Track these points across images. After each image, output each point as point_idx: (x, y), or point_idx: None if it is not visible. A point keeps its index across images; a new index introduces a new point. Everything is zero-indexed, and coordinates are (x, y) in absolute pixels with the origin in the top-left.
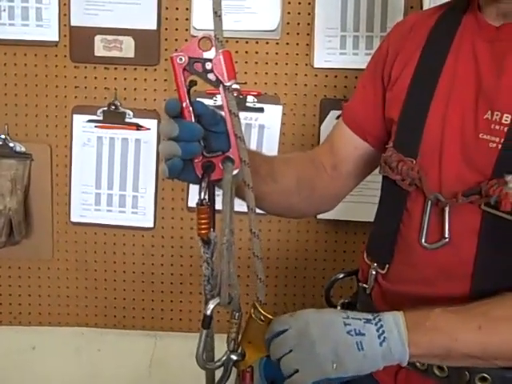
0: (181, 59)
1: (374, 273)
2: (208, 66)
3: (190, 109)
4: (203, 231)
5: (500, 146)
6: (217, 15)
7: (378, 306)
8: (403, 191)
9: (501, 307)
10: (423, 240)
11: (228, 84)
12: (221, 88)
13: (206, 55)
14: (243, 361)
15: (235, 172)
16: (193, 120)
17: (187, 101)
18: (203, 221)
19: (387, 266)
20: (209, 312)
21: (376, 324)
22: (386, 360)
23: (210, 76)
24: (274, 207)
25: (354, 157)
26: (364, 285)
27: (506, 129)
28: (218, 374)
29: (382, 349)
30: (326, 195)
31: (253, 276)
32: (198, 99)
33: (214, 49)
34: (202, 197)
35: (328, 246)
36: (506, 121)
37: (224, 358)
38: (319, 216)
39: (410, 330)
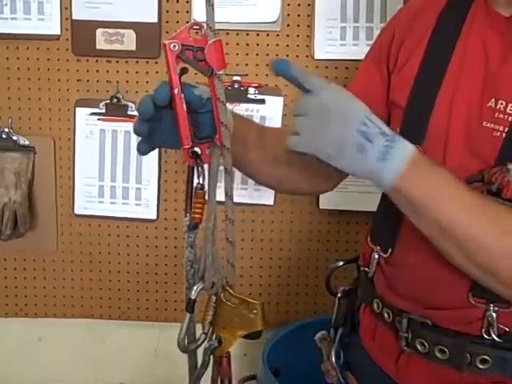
0: (174, 46)
1: (376, 257)
2: (199, 54)
3: (182, 96)
4: (197, 215)
5: (504, 134)
6: (209, 4)
7: (380, 290)
8: None
9: (495, 208)
10: None
11: (220, 73)
12: (212, 76)
13: (197, 43)
14: (220, 347)
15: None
16: (184, 107)
17: (179, 87)
18: (199, 205)
19: (390, 250)
20: (193, 296)
21: (388, 141)
22: (367, 175)
23: (201, 64)
24: (264, 177)
25: None
26: (366, 269)
27: (510, 118)
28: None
29: (375, 164)
30: (324, 173)
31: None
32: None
33: (205, 37)
34: (201, 181)
35: (330, 236)
36: (510, 110)
37: (201, 339)
38: (321, 206)
39: (411, 166)
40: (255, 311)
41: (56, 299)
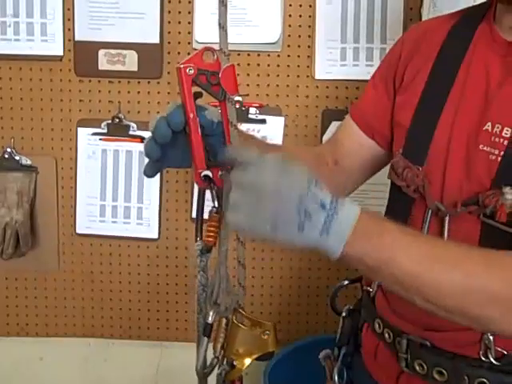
0: (190, 70)
1: None
2: (213, 78)
3: (197, 120)
4: (211, 238)
5: (500, 158)
6: (223, 29)
7: (381, 310)
8: (409, 197)
9: (452, 251)
10: None
11: (233, 97)
12: (225, 101)
13: (211, 68)
14: (232, 371)
15: None
16: (199, 131)
17: (194, 112)
18: (213, 228)
19: None
20: (211, 320)
21: (329, 214)
22: (313, 247)
23: (214, 88)
24: None
25: (358, 154)
26: (368, 288)
27: (506, 142)
28: None
29: (318, 238)
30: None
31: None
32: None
33: (218, 62)
34: (216, 205)
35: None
36: (506, 134)
37: (213, 364)
38: None
39: (356, 234)
40: (268, 332)
41: (57, 318)
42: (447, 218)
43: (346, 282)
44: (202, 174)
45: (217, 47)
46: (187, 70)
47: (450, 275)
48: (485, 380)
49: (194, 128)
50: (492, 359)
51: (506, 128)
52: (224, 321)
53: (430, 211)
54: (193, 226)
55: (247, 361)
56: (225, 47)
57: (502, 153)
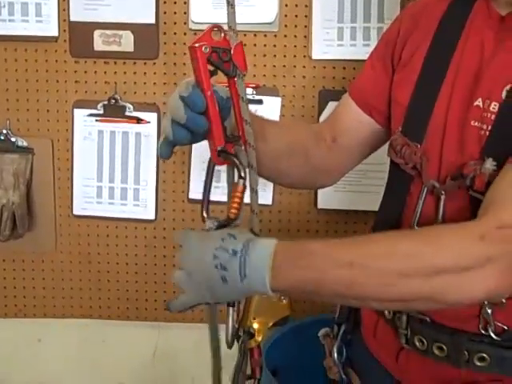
0: (205, 49)
1: None
2: (224, 55)
3: (214, 97)
4: (235, 210)
5: (488, 132)
6: (231, 6)
7: None
8: (407, 175)
9: (380, 243)
10: (415, 225)
11: (244, 73)
12: (236, 77)
13: (223, 45)
14: (252, 339)
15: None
16: (216, 108)
17: (211, 89)
18: (238, 199)
19: None
20: None
21: (240, 258)
22: (249, 292)
23: (226, 65)
24: (265, 169)
25: (357, 131)
26: None
27: (493, 116)
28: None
29: (243, 284)
30: (323, 167)
31: None
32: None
33: (225, 39)
34: (243, 175)
35: (328, 236)
36: (493, 109)
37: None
38: (319, 206)
39: (277, 264)
40: (284, 297)
41: (55, 300)
42: (443, 197)
43: None
44: (219, 149)
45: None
46: (203, 49)
47: (385, 264)
48: (484, 355)
49: (211, 105)
50: (492, 334)
51: (493, 103)
52: None
53: (425, 189)
54: (190, 206)
55: (265, 328)
56: (233, 24)
57: (489, 127)
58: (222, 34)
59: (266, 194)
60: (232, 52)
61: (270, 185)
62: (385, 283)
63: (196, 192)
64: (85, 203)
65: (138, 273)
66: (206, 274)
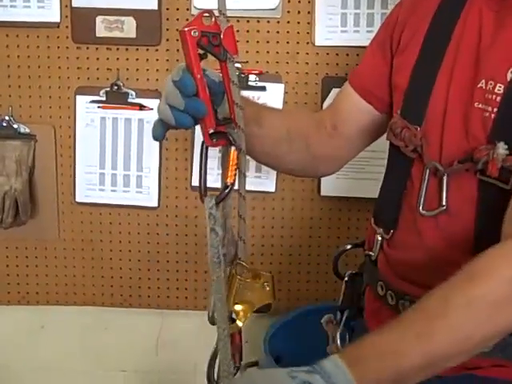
0: (195, 32)
1: (379, 239)
2: (214, 39)
3: (204, 81)
4: (232, 179)
5: (493, 115)
6: None
7: (383, 273)
8: (407, 158)
9: (431, 303)
10: (421, 207)
11: (235, 56)
12: (227, 61)
13: (212, 29)
14: (234, 324)
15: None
16: (207, 92)
17: (201, 73)
18: (235, 167)
19: (392, 231)
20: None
21: (319, 372)
22: None
23: (216, 49)
24: (261, 155)
25: (357, 118)
26: (370, 252)
27: (498, 98)
28: None
29: None
30: (324, 155)
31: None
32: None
33: (216, 24)
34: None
35: (332, 223)
36: (498, 90)
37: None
38: (323, 193)
39: (351, 367)
40: (267, 283)
41: (58, 287)
42: (445, 178)
43: (349, 247)
44: (211, 132)
45: (215, 12)
46: (192, 33)
47: (448, 320)
48: None
49: (201, 88)
50: None
51: (498, 84)
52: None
53: (427, 171)
54: (192, 194)
55: (247, 313)
56: (223, 9)
57: (495, 110)
58: (213, 19)
59: (269, 182)
60: (222, 36)
61: (274, 172)
62: (463, 338)
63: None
64: (87, 190)
65: (140, 260)
66: None
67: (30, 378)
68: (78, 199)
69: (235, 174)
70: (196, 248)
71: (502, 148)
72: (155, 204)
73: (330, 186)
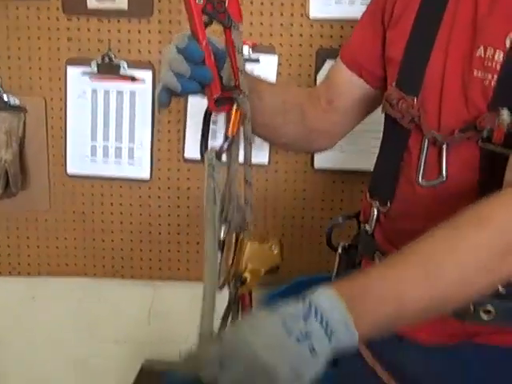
0: (199, 0)
1: (375, 212)
2: (219, 6)
3: (210, 48)
4: (232, 128)
5: (494, 82)
6: None
7: (381, 244)
8: (404, 130)
9: (437, 246)
10: (420, 178)
11: (239, 24)
12: (231, 28)
13: None
14: (244, 286)
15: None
16: (212, 58)
17: (206, 40)
18: (235, 120)
19: (388, 202)
20: (223, 236)
21: (316, 316)
22: (334, 354)
23: (221, 16)
24: (259, 127)
25: (350, 93)
26: (365, 226)
27: (498, 66)
28: None
29: (331, 344)
30: (320, 129)
31: None
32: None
33: None
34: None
35: (325, 196)
36: (498, 58)
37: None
38: (316, 165)
39: (351, 313)
40: (275, 246)
41: (49, 258)
42: (445, 147)
43: (342, 219)
44: (216, 98)
45: None
46: (196, 0)
47: (458, 260)
48: (490, 308)
49: (207, 54)
50: (499, 287)
51: (497, 51)
52: (233, 238)
53: (426, 141)
54: (185, 166)
55: (257, 276)
56: None
57: (495, 77)
58: None
59: (262, 154)
60: (227, 3)
61: (267, 144)
62: (468, 278)
63: (192, 151)
64: (79, 162)
65: (132, 232)
66: (292, 359)
67: (21, 348)
68: (69, 171)
69: (238, 128)
70: (188, 220)
71: (506, 115)
72: (147, 176)
73: (324, 158)
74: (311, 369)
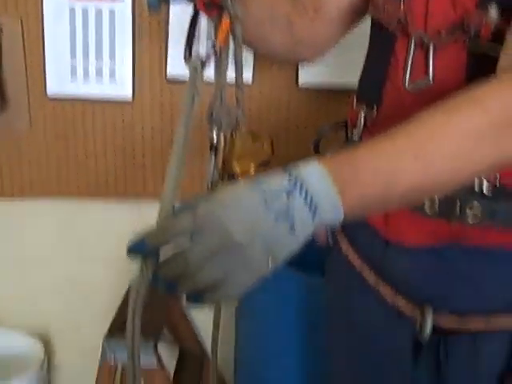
0: None
1: (362, 116)
2: None
3: None
4: (222, 38)
5: None
6: None
7: None
8: (390, 34)
9: (435, 125)
10: (406, 82)
11: None
12: None
13: None
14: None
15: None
16: None
17: None
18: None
19: (375, 107)
20: (215, 139)
21: (301, 192)
22: (318, 229)
23: None
24: (245, 34)
25: (336, 2)
26: (354, 132)
27: None
28: None
29: (315, 220)
30: (307, 39)
31: None
32: None
33: None
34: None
35: (310, 115)
36: None
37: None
38: (301, 83)
39: (338, 186)
40: (266, 142)
41: (32, 179)
42: (431, 48)
43: (329, 127)
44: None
45: None
46: None
47: (450, 141)
48: (477, 207)
49: None
50: (485, 190)
51: None
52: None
53: (413, 44)
54: (168, 87)
55: (247, 170)
56: None
57: None
58: None
59: (245, 72)
60: None
61: (250, 62)
62: (462, 155)
63: (174, 69)
64: (59, 82)
65: (116, 153)
66: (267, 235)
67: (9, 268)
68: (49, 92)
69: (226, 37)
70: (172, 141)
71: (494, 12)
72: (129, 95)
73: (308, 73)
74: (286, 248)
